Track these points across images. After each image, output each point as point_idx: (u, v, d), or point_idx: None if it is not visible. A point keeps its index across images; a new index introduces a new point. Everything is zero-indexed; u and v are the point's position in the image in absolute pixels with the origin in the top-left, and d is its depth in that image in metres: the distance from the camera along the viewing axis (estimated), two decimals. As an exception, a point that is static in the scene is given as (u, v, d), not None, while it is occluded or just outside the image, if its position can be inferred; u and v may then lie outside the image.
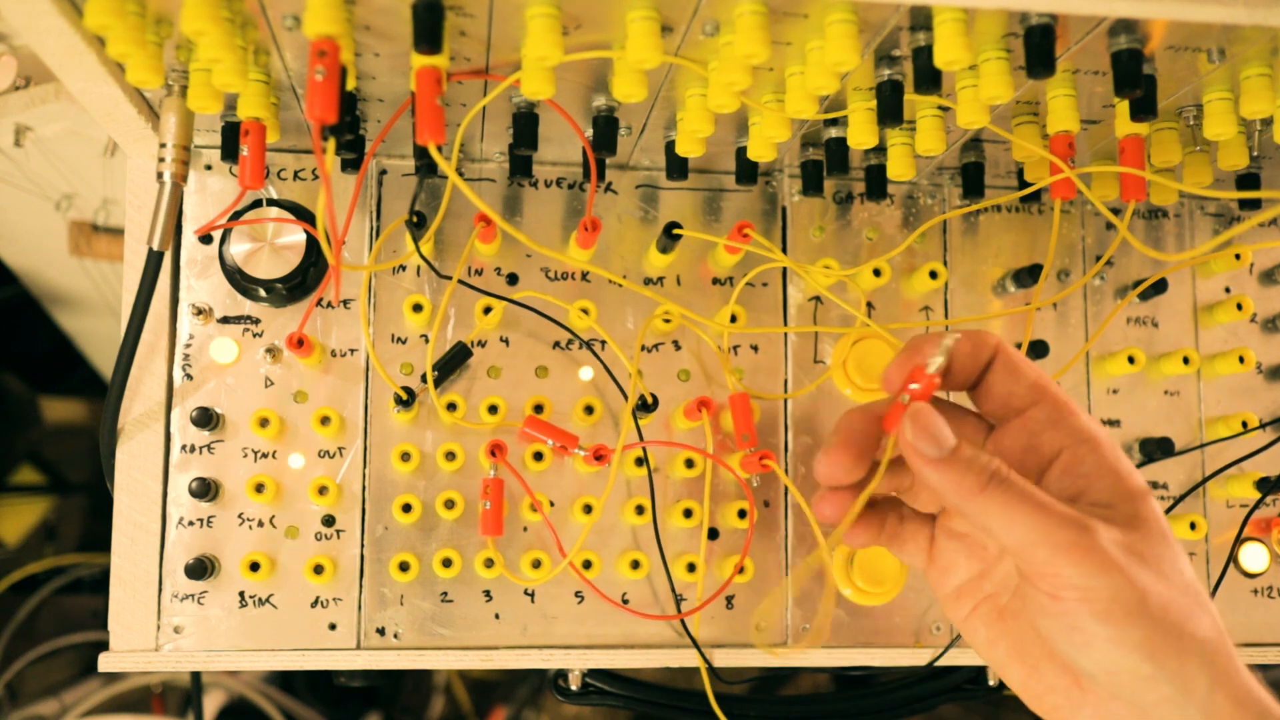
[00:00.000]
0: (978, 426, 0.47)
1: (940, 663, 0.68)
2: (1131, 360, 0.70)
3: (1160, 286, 0.71)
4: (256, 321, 0.65)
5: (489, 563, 0.64)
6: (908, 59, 0.52)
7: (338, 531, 0.64)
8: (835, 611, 0.68)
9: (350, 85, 0.55)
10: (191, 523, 0.63)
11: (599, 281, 0.68)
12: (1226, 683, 0.40)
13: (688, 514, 0.66)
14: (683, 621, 0.66)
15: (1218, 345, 0.73)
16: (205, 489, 0.62)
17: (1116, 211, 0.72)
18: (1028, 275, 0.69)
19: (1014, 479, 0.42)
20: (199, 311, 0.64)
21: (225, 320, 0.65)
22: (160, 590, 0.63)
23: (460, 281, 0.66)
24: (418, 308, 0.65)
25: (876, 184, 0.64)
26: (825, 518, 0.46)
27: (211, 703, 1.06)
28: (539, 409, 0.66)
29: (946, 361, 0.43)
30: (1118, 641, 0.40)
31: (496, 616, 0.65)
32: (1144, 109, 0.53)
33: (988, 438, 0.46)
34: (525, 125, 0.59)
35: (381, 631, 0.64)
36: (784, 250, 0.70)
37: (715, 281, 0.69)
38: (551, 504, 0.66)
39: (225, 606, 0.63)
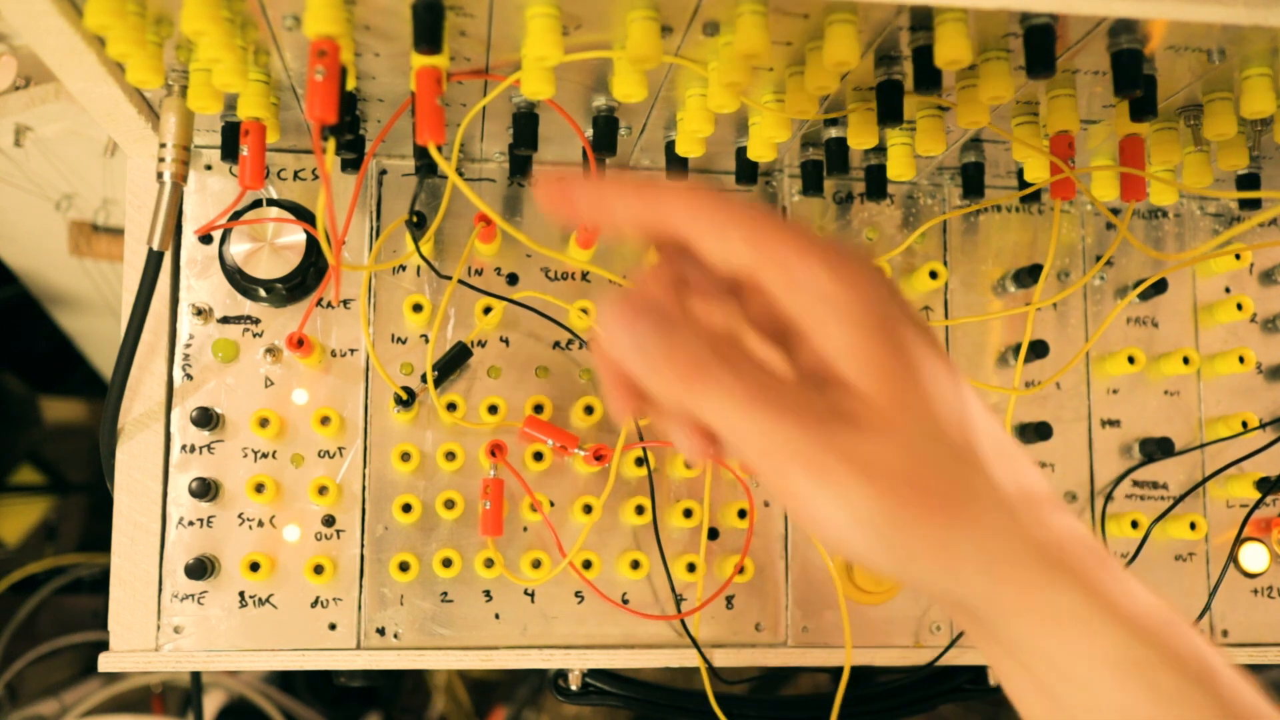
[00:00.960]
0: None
1: (940, 663, 0.68)
2: (1131, 360, 0.70)
3: (1160, 286, 0.71)
4: (256, 321, 0.65)
5: (489, 563, 0.64)
6: (908, 59, 0.52)
7: (338, 531, 0.64)
8: (835, 611, 0.68)
9: (350, 85, 0.55)
10: (191, 523, 0.63)
11: (599, 281, 0.68)
12: (1003, 568, 0.35)
13: (688, 514, 0.66)
14: (683, 621, 0.66)
15: (1218, 345, 0.73)
16: (205, 489, 0.62)
17: (1116, 211, 0.72)
18: (1028, 275, 0.69)
19: (728, 367, 0.34)
20: (199, 311, 0.64)
21: (225, 320, 0.65)
22: (160, 590, 0.63)
23: (460, 281, 0.66)
24: (418, 308, 0.65)
25: (876, 184, 0.64)
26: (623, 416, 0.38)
27: (211, 703, 1.06)
28: (539, 409, 0.66)
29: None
30: (868, 550, 0.35)
31: (496, 616, 0.65)
32: (1144, 109, 0.53)
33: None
34: (525, 125, 0.59)
35: (381, 631, 0.64)
36: (784, 250, 0.70)
37: (715, 281, 0.69)
38: (551, 504, 0.66)
39: (225, 606, 0.63)
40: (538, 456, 0.65)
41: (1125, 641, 0.34)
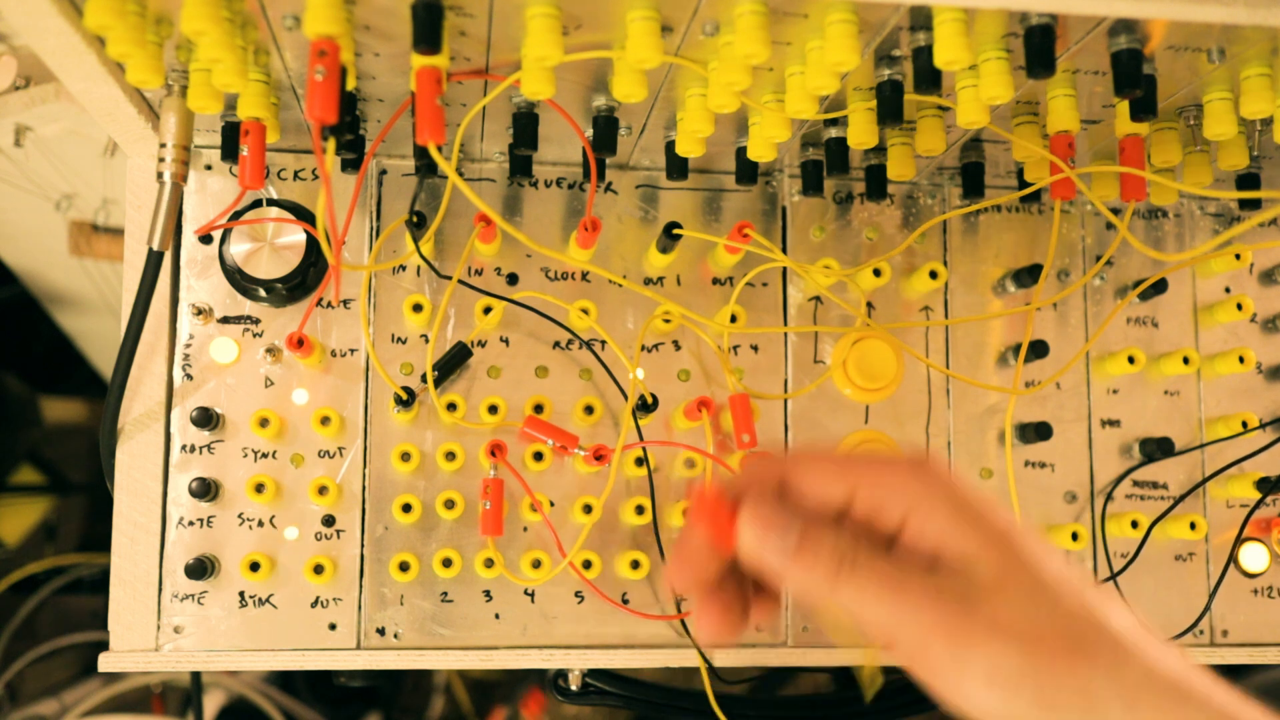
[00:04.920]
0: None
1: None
2: (1131, 360, 0.70)
3: (1160, 286, 0.71)
4: (256, 321, 0.65)
5: (489, 563, 0.64)
6: (908, 59, 0.52)
7: (338, 531, 0.64)
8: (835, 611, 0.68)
9: (350, 85, 0.55)
10: (191, 523, 0.63)
11: (599, 281, 0.68)
12: (1145, 700, 0.38)
13: (688, 514, 0.66)
14: (683, 621, 0.66)
15: (1218, 345, 0.73)
16: (205, 489, 0.62)
17: (1116, 211, 0.72)
18: (1028, 275, 0.69)
19: (864, 560, 0.40)
20: (199, 311, 0.64)
21: (225, 320, 0.65)
22: (160, 590, 0.63)
23: (460, 281, 0.66)
24: (418, 308, 0.65)
25: (876, 184, 0.64)
26: (719, 639, 0.44)
27: (211, 703, 1.06)
28: (539, 409, 0.66)
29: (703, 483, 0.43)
30: (1009, 705, 0.38)
31: (496, 616, 0.65)
32: (1144, 109, 0.53)
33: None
34: (525, 125, 0.59)
35: (381, 631, 0.64)
36: (784, 250, 0.70)
37: (715, 281, 0.69)
38: (551, 504, 0.66)
39: (225, 606, 0.63)
40: (538, 456, 0.65)
41: None
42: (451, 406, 0.65)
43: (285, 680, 1.11)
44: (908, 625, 0.39)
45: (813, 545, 0.40)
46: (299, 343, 0.62)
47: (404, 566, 0.64)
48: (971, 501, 0.41)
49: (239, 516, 0.64)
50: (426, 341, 0.66)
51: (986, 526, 0.40)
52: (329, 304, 0.65)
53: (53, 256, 0.98)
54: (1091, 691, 0.38)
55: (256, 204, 0.65)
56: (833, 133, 0.62)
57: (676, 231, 0.65)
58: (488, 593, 0.65)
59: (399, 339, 0.66)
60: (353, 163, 0.63)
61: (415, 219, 0.64)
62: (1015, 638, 0.38)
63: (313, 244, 0.63)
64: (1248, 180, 0.65)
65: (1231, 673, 0.85)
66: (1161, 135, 0.60)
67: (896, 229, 0.71)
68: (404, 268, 0.67)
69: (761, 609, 0.46)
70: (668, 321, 0.67)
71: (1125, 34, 0.50)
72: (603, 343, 0.67)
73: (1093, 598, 0.40)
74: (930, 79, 0.50)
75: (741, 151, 0.63)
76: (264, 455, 0.64)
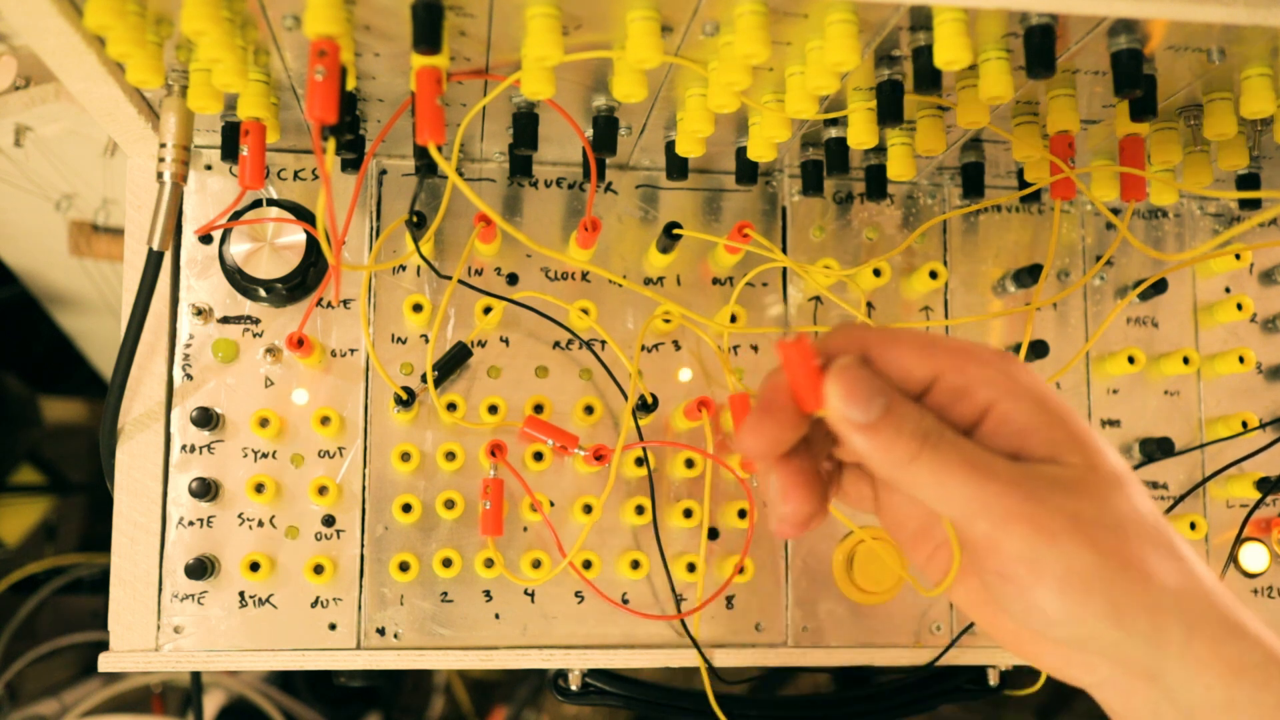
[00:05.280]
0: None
1: (940, 663, 0.68)
2: (1131, 360, 0.70)
3: (1160, 286, 0.71)
4: (256, 321, 0.65)
5: (489, 563, 0.64)
6: (908, 59, 0.52)
7: (338, 531, 0.64)
8: (835, 611, 0.68)
9: (350, 85, 0.55)
10: (191, 523, 0.63)
11: (599, 281, 0.68)
12: (1204, 629, 0.38)
13: (688, 514, 0.66)
14: (683, 621, 0.66)
15: (1218, 345, 0.73)
16: (205, 489, 0.62)
17: (1116, 211, 0.72)
18: (1028, 275, 0.69)
19: (949, 440, 0.38)
20: (199, 311, 0.64)
21: (225, 320, 0.65)
22: (160, 590, 0.63)
23: (460, 281, 0.66)
24: (418, 308, 0.65)
25: (876, 184, 0.64)
26: (798, 524, 0.42)
27: (211, 703, 1.06)
28: (539, 409, 0.66)
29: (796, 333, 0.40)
30: (1079, 614, 0.37)
31: (496, 616, 0.65)
32: (1144, 109, 0.53)
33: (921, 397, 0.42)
34: (525, 125, 0.59)
35: (381, 631, 0.64)
36: (784, 250, 0.70)
37: (715, 281, 0.69)
38: (551, 504, 0.66)
39: (225, 606, 0.63)
40: (538, 456, 0.65)
41: None
42: (451, 406, 0.65)
43: (285, 680, 1.12)
44: (991, 510, 0.37)
45: (898, 417, 0.38)
46: (299, 343, 0.62)
47: (404, 566, 0.64)
48: (1053, 399, 0.40)
49: (239, 516, 0.64)
50: (426, 341, 0.66)
51: (1070, 426, 0.39)
52: (329, 304, 0.65)
53: (53, 256, 0.98)
54: (1159, 609, 0.37)
55: (256, 204, 0.65)
56: (833, 133, 0.62)
57: (676, 231, 0.65)
58: (488, 593, 0.65)
59: (399, 339, 0.66)
60: (353, 163, 0.63)
61: (415, 219, 0.64)
62: (1096, 539, 0.37)
63: (313, 244, 0.63)
64: (1248, 180, 0.65)
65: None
66: (1161, 135, 0.60)
67: (896, 229, 0.71)
68: (404, 268, 0.67)
69: (822, 510, 0.43)
70: (668, 321, 0.67)
71: (1125, 34, 0.50)
72: (603, 343, 0.67)
73: (1161, 518, 0.40)
74: (930, 79, 0.50)
75: (741, 151, 0.63)
76: (264, 455, 0.64)
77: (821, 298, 0.70)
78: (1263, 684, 0.37)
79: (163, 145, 0.58)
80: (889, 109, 0.53)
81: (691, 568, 0.66)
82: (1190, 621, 0.38)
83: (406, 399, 0.63)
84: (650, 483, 0.67)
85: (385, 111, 0.60)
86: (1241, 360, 0.71)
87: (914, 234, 0.70)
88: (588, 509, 0.65)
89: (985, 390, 0.39)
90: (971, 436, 0.40)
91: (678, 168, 0.63)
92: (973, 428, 0.40)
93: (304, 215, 0.65)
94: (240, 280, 0.64)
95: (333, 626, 0.64)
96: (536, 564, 0.65)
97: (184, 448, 0.64)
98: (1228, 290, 0.74)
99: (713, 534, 0.67)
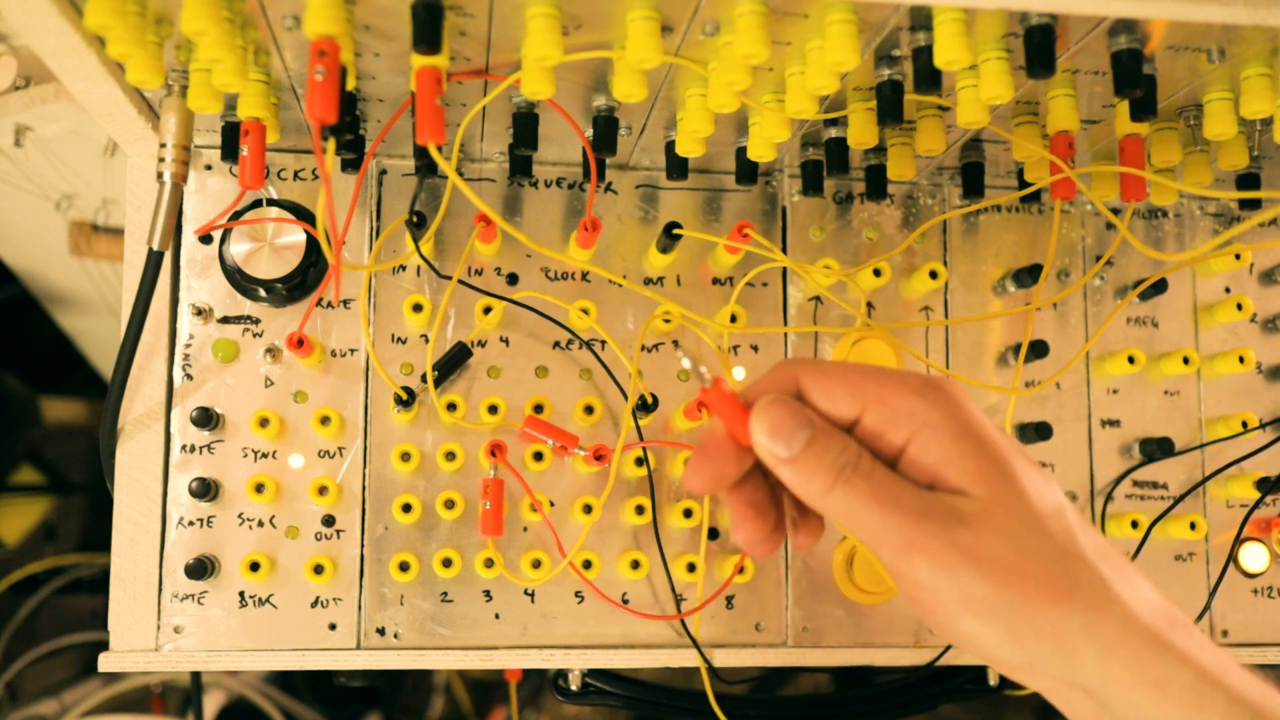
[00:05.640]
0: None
1: (940, 663, 0.68)
2: (1131, 360, 0.70)
3: (1160, 286, 0.71)
4: (256, 321, 0.65)
5: (489, 563, 0.64)
6: (908, 59, 0.52)
7: (338, 531, 0.64)
8: (835, 611, 0.68)
9: (350, 85, 0.55)
10: (191, 523, 0.63)
11: (599, 281, 0.68)
12: (1122, 649, 0.39)
13: (688, 514, 0.66)
14: (683, 621, 0.66)
15: (1218, 345, 0.73)
16: (205, 489, 0.62)
17: (1116, 211, 0.72)
18: (1028, 275, 0.69)
19: (863, 472, 0.41)
20: (199, 311, 0.64)
21: (225, 320, 0.65)
22: (160, 590, 0.63)
23: (460, 281, 0.66)
24: (418, 308, 0.65)
25: (876, 184, 0.64)
26: (752, 546, 0.45)
27: (211, 703, 1.06)
28: (539, 409, 0.66)
29: (697, 370, 0.43)
30: (981, 637, 0.39)
31: (496, 616, 0.65)
32: (1144, 109, 0.53)
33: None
34: (525, 125, 0.59)
35: (381, 631, 0.64)
36: (784, 250, 0.70)
37: (715, 281, 0.69)
38: (551, 504, 0.66)
39: (225, 606, 0.63)
40: (538, 456, 0.65)
41: (1228, 708, 0.38)
42: (451, 406, 0.65)
43: (285, 680, 1.11)
44: (893, 542, 0.40)
45: (818, 451, 0.41)
46: (299, 343, 0.62)
47: (404, 566, 0.64)
48: (975, 428, 0.41)
49: (239, 516, 0.64)
50: (426, 341, 0.66)
51: (986, 455, 0.41)
52: (329, 304, 0.65)
53: (53, 256, 0.98)
54: (1064, 633, 0.39)
55: (256, 204, 0.65)
56: (833, 133, 0.62)
57: (676, 231, 0.65)
58: (488, 593, 0.65)
59: (399, 339, 0.66)
60: (353, 163, 0.63)
61: (415, 219, 0.64)
62: (992, 569, 0.39)
63: (313, 244, 0.63)
64: (1248, 180, 0.65)
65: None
66: (1161, 135, 0.60)
67: (896, 229, 0.71)
68: (404, 268, 0.67)
69: (806, 529, 0.46)
70: (668, 321, 0.67)
71: (1125, 34, 0.50)
72: (603, 343, 0.67)
73: (1085, 539, 0.41)
74: (930, 79, 0.50)
75: (741, 151, 0.63)
76: (264, 455, 0.64)
77: (821, 298, 0.70)
78: (1194, 703, 0.38)
79: (163, 145, 0.58)
80: (889, 109, 0.53)
81: (691, 568, 0.66)
82: (1103, 643, 0.39)
83: (406, 399, 0.63)
84: (650, 483, 0.67)
85: (385, 111, 0.60)
86: (1241, 360, 0.71)
87: (914, 234, 0.70)
88: (588, 509, 0.65)
89: (908, 421, 0.41)
90: (896, 466, 0.42)
91: (678, 168, 0.63)
92: (897, 456, 0.42)
93: (304, 215, 0.65)
94: (240, 280, 0.64)
95: (333, 626, 0.64)
96: (536, 564, 0.65)
97: (184, 448, 0.64)
98: (1228, 290, 0.74)
99: (713, 534, 0.67)
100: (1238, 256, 0.72)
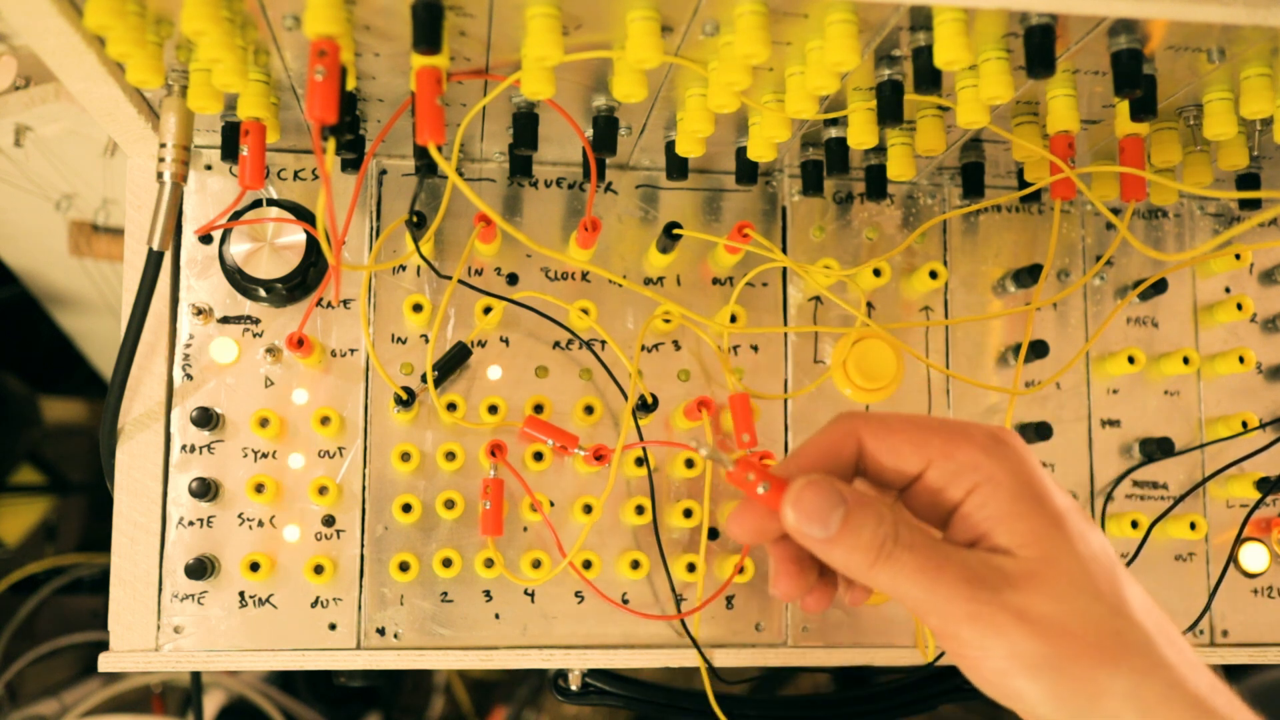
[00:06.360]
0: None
1: (940, 663, 0.68)
2: (1131, 360, 0.70)
3: (1160, 286, 0.71)
4: (256, 321, 0.65)
5: (489, 563, 0.64)
6: (908, 59, 0.52)
7: (338, 531, 0.64)
8: (835, 611, 0.68)
9: (350, 85, 0.55)
10: (191, 523, 0.63)
11: (599, 281, 0.68)
12: (1163, 711, 0.39)
13: (688, 514, 0.66)
14: (683, 621, 0.66)
15: (1218, 345, 0.73)
16: (205, 489, 0.62)
17: (1116, 211, 0.72)
18: (1028, 275, 0.69)
19: (904, 545, 0.41)
20: (199, 311, 0.64)
21: (225, 320, 0.65)
22: (160, 590, 0.63)
23: (460, 281, 0.66)
24: (418, 308, 0.65)
25: (876, 184, 0.64)
26: (791, 599, 0.45)
27: (211, 703, 1.06)
28: (539, 409, 0.66)
29: (712, 455, 0.43)
30: (1026, 691, 0.40)
31: (496, 616, 0.65)
32: (1144, 109, 0.53)
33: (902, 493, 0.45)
34: (525, 125, 0.59)
35: (381, 631, 0.64)
36: (784, 250, 0.70)
37: (715, 281, 0.69)
38: (551, 504, 0.66)
39: (225, 606, 0.63)
40: (538, 456, 0.65)
41: None
42: (451, 406, 0.65)
43: (285, 680, 1.11)
44: (942, 611, 0.40)
45: (854, 528, 0.41)
46: (299, 343, 0.62)
47: (404, 566, 0.64)
48: (1036, 486, 0.42)
49: (239, 516, 0.64)
50: (426, 341, 0.66)
51: (1042, 514, 0.41)
52: (329, 304, 0.65)
53: (53, 256, 0.98)
54: (1109, 694, 0.39)
55: (256, 204, 0.65)
56: (833, 133, 0.62)
57: (676, 231, 0.65)
58: (488, 593, 0.65)
59: (399, 339, 0.66)
60: (353, 163, 0.63)
61: (415, 219, 0.64)
62: (1042, 628, 0.39)
63: (313, 244, 0.63)
64: (1248, 180, 0.65)
65: (1231, 673, 0.85)
66: (1161, 135, 0.60)
67: (896, 229, 0.71)
68: (404, 268, 0.67)
69: (858, 588, 0.47)
70: (668, 321, 0.67)
71: (1125, 34, 0.50)
72: (603, 343, 0.67)
73: (1134, 599, 0.41)
74: (930, 79, 0.50)
75: (741, 151, 0.63)
76: (264, 455, 0.64)
77: (821, 298, 0.70)
78: None
79: (163, 145, 0.58)
80: (889, 109, 0.53)
81: (691, 568, 0.66)
82: (1147, 707, 0.39)
83: (406, 399, 0.63)
84: (650, 483, 0.67)
85: (385, 111, 0.60)
86: (1241, 360, 0.71)
87: (914, 234, 0.70)
88: (588, 509, 0.65)
89: (971, 476, 0.42)
90: (950, 519, 0.43)
91: (678, 168, 0.63)
92: (953, 510, 0.43)
93: (304, 215, 0.65)
94: (240, 280, 0.64)
95: (333, 626, 0.64)
96: (536, 564, 0.65)
97: (184, 448, 0.64)
98: (1228, 290, 0.74)
99: (713, 534, 0.67)
100: (1238, 256, 0.72)
